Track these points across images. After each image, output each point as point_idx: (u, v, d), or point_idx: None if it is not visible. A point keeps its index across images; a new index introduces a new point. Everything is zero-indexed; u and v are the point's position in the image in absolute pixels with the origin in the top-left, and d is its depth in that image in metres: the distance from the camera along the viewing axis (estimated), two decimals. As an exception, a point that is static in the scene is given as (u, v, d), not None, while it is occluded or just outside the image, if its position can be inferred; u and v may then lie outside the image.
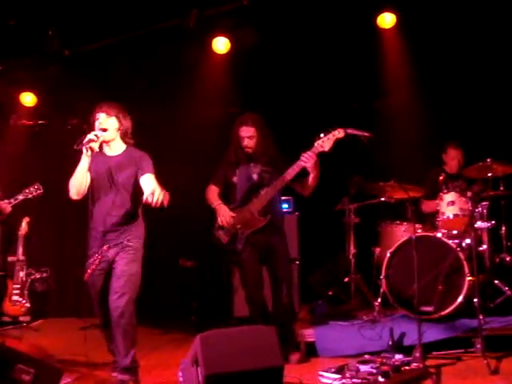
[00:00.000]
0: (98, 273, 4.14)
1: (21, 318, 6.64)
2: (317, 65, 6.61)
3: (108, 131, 4.18)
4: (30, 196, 5.46)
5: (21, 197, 5.42)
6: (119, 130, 4.24)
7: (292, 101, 6.77)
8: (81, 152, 4.03)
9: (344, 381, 3.87)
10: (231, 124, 4.95)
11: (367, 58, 6.47)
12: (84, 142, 3.99)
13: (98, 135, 4.06)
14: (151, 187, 3.88)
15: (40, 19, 6.28)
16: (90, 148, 4.01)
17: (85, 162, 4.06)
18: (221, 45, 6.55)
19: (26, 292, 6.73)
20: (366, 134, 4.49)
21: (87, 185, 4.17)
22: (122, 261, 4.10)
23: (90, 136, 4.02)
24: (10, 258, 6.86)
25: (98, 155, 4.20)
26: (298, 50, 6.51)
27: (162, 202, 3.80)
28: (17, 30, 6.30)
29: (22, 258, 6.78)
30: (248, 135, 4.80)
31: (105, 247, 4.11)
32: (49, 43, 6.51)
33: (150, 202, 3.78)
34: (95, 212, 4.21)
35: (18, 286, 6.72)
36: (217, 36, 6.53)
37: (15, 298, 6.68)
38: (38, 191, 5.51)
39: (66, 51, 6.70)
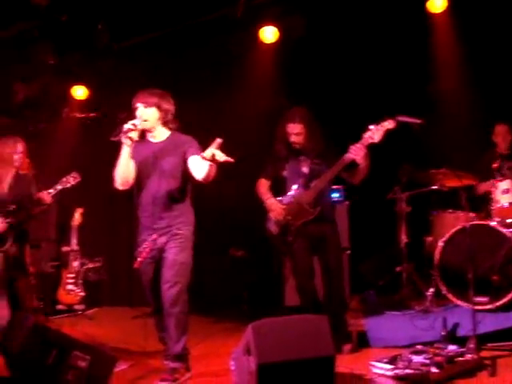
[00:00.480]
0: (149, 261, 4.14)
1: (75, 307, 6.82)
2: (365, 51, 6.50)
3: (148, 121, 4.14)
4: (69, 185, 5.31)
5: (59, 186, 5.28)
6: (159, 119, 4.18)
7: (341, 89, 6.68)
8: (121, 142, 3.99)
9: (397, 371, 3.80)
10: (280, 115, 4.92)
11: (417, 43, 6.33)
12: (122, 131, 3.94)
13: (136, 124, 4.00)
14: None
15: (90, 14, 6.39)
16: (129, 138, 3.96)
17: (125, 151, 4.02)
18: (269, 34, 6.48)
19: (80, 281, 6.90)
20: (417, 121, 4.38)
21: (133, 174, 4.14)
22: (172, 250, 4.09)
23: (128, 125, 3.95)
24: (64, 248, 7.05)
25: (142, 143, 4.18)
26: (346, 36, 6.41)
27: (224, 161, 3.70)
28: (68, 25, 6.42)
29: (75, 248, 6.95)
30: (295, 132, 4.74)
31: (154, 236, 4.10)
32: (98, 38, 6.61)
33: (211, 157, 3.67)
34: (141, 200, 4.19)
35: (73, 275, 6.90)
36: (264, 25, 6.46)
37: (70, 287, 6.86)
38: (76, 179, 5.35)
39: (115, 45, 6.79)
